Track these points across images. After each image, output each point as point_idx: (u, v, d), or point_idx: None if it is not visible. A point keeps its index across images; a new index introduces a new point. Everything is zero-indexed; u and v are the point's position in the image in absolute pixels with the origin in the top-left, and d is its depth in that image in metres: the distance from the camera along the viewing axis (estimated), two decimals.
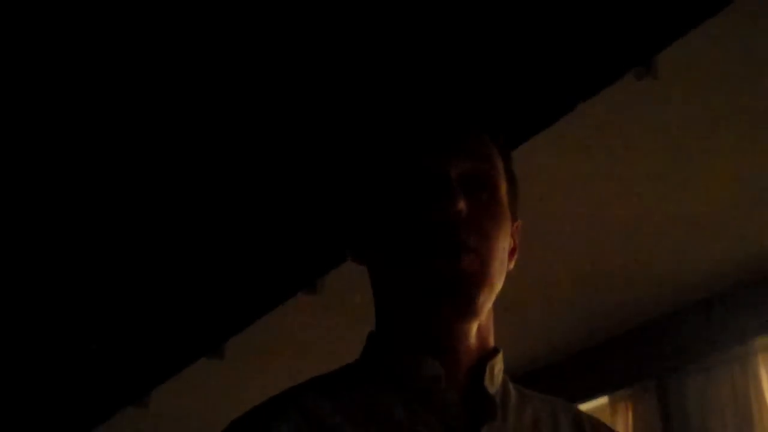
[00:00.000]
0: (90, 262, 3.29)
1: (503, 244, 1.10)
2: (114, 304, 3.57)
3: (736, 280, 3.41)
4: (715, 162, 2.75)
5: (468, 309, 1.07)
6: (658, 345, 3.74)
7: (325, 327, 3.66)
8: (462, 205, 1.05)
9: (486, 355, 1.11)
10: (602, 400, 3.96)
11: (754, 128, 2.59)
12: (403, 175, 1.10)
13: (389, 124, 1.20)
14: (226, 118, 2.58)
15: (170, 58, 2.25)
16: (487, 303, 1.09)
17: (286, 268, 3.32)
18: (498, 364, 1.12)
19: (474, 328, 1.09)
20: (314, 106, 2.51)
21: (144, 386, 4.10)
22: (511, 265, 1.16)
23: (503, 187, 1.12)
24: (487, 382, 1.09)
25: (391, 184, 1.11)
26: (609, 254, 3.26)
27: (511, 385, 1.15)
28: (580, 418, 1.16)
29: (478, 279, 1.06)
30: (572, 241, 3.13)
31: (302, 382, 1.11)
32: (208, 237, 3.20)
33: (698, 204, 2.95)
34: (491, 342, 1.14)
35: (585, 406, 3.76)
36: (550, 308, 3.47)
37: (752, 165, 2.75)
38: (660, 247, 3.23)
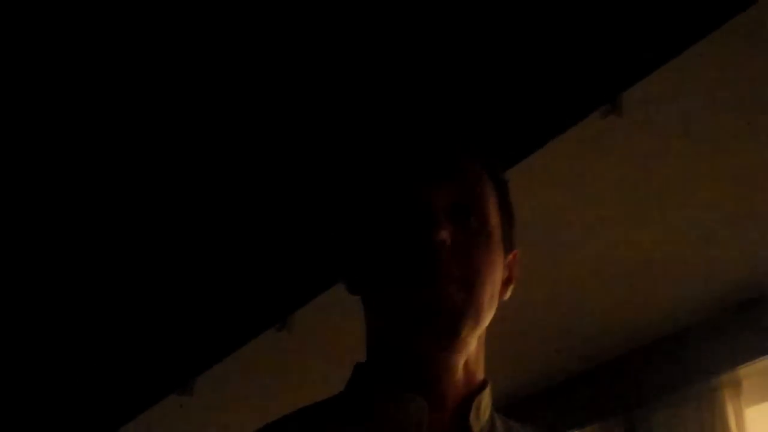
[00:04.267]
0: (61, 294, 3.26)
1: (493, 275, 1.08)
2: (83, 339, 3.54)
3: (702, 317, 3.45)
4: (678, 199, 2.79)
5: (450, 341, 1.05)
6: (625, 381, 3.76)
7: (296, 363, 3.65)
8: (445, 234, 1.03)
9: (474, 389, 1.09)
10: None
11: (716, 164, 2.63)
12: (389, 203, 1.08)
13: (375, 151, 1.19)
14: (191, 160, 2.59)
15: (168, 60, 2.24)
16: (471, 336, 1.06)
17: (256, 305, 3.31)
18: (485, 399, 1.10)
19: (460, 362, 1.07)
20: (293, 138, 2.51)
21: (112, 423, 4.06)
22: (506, 296, 1.14)
23: (494, 217, 1.10)
24: (472, 420, 1.08)
25: (377, 212, 1.10)
26: (575, 291, 3.28)
27: (498, 419, 1.13)
28: None
29: (462, 310, 1.04)
30: (538, 277, 3.15)
31: (288, 413, 1.09)
32: (178, 273, 3.19)
33: (663, 240, 2.99)
34: (480, 375, 1.12)
35: None
36: (517, 344, 3.48)
37: (715, 201, 2.79)
38: (626, 283, 3.26)
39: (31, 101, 2.34)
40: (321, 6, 2.08)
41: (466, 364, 1.08)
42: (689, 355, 3.53)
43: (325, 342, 3.32)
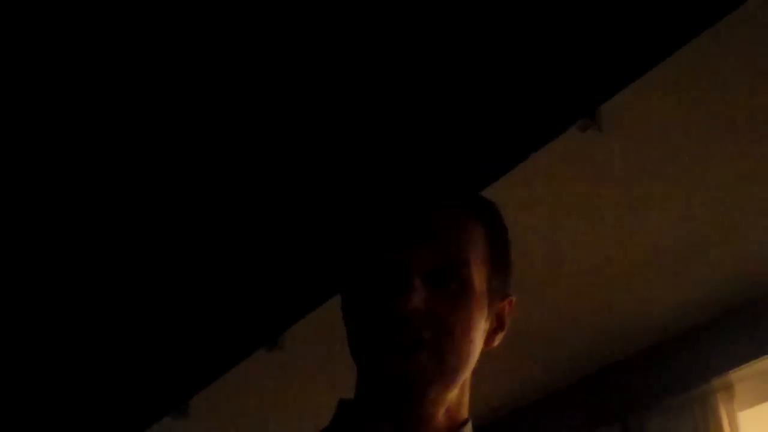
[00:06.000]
0: (57, 313, 3.25)
1: (470, 333, 1.07)
2: (77, 361, 3.54)
3: (692, 322, 3.46)
4: (663, 209, 2.81)
5: (418, 406, 1.06)
6: (618, 388, 3.77)
7: (289, 383, 3.65)
8: (417, 301, 1.03)
9: (454, 428, 1.10)
10: None
11: (697, 177, 2.66)
12: (367, 266, 1.08)
13: (355, 213, 1.21)
14: (185, 176, 2.59)
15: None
16: (443, 395, 1.07)
17: (247, 325, 3.31)
18: None
19: (439, 411, 1.08)
20: (284, 162, 2.53)
21: None
22: (495, 343, 1.16)
23: (479, 272, 1.09)
24: None
25: (356, 274, 1.09)
26: (564, 300, 3.30)
27: None
28: None
29: (431, 377, 1.04)
30: (529, 290, 3.17)
31: None
32: (169, 293, 3.19)
33: (649, 250, 3.01)
34: (463, 415, 1.12)
35: None
36: (510, 355, 3.50)
37: (700, 209, 2.81)
38: (616, 291, 3.27)
39: (31, 101, 2.33)
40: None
41: (447, 410, 1.09)
42: (681, 360, 3.54)
43: (318, 360, 3.32)
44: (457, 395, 1.11)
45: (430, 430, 1.08)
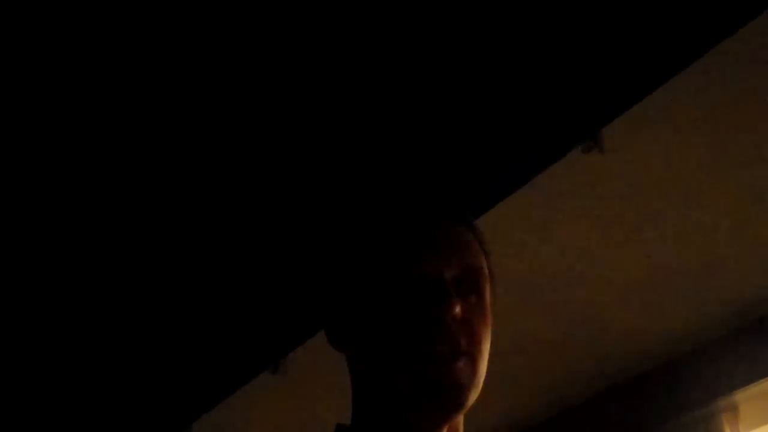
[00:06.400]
0: (57, 334, 3.25)
1: (488, 346, 1.10)
2: (78, 389, 3.53)
3: (696, 343, 3.46)
4: (667, 230, 2.81)
5: (456, 413, 1.07)
6: (623, 410, 3.76)
7: (291, 406, 3.64)
8: (458, 308, 1.05)
9: None
10: None
11: (700, 198, 2.66)
12: (398, 278, 1.08)
13: (378, 227, 1.16)
14: (184, 192, 2.58)
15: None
16: (471, 404, 1.08)
17: (248, 348, 3.31)
18: None
19: (445, 428, 1.09)
20: (286, 181, 2.52)
21: None
22: None
23: (488, 288, 1.12)
24: None
25: (382, 287, 1.09)
26: (569, 322, 3.29)
27: None
28: None
29: (470, 383, 1.06)
30: (532, 311, 3.16)
31: None
32: (170, 318, 3.19)
33: (651, 271, 3.01)
34: (460, 431, 1.13)
35: None
36: (512, 378, 3.49)
37: (700, 232, 2.81)
38: (618, 313, 3.26)
39: (31, 101, 2.33)
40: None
41: (450, 427, 1.10)
42: (686, 381, 3.53)
43: (321, 385, 3.32)
44: None
45: None
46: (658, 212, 2.71)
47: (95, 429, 3.82)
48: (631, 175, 2.53)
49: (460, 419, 1.13)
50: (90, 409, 3.67)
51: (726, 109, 2.32)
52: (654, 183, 2.57)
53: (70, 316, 3.13)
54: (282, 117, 2.28)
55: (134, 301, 3.08)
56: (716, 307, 3.25)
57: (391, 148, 2.35)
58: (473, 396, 1.07)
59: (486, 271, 1.13)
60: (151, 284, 3.01)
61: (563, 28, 2.07)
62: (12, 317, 3.11)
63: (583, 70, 2.15)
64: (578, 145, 2.27)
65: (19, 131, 2.42)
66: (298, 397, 3.53)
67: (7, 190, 2.60)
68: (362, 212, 2.22)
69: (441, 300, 1.05)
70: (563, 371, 3.63)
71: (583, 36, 2.08)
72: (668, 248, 2.89)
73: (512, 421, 3.94)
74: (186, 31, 2.12)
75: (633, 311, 3.25)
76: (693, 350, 3.49)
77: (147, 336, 3.27)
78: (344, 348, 1.15)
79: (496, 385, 3.57)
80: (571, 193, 2.56)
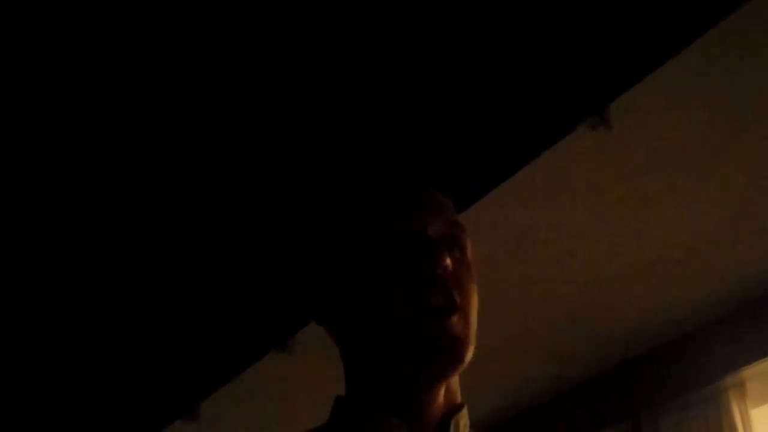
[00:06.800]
0: (64, 317, 3.26)
1: (476, 302, 1.10)
2: (87, 367, 3.54)
3: (704, 319, 3.46)
4: (675, 205, 2.80)
5: (455, 368, 1.06)
6: (630, 387, 3.77)
7: (300, 385, 3.66)
8: (449, 260, 1.05)
9: (451, 411, 1.10)
10: None
11: (708, 174, 2.65)
12: (385, 237, 1.08)
13: (360, 188, 1.19)
14: (189, 173, 2.59)
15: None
16: (469, 360, 1.07)
17: (257, 328, 3.32)
18: (463, 419, 1.11)
19: (443, 388, 1.09)
20: (282, 166, 2.53)
21: None
22: None
23: (469, 245, 1.12)
24: None
25: (369, 247, 1.09)
26: (577, 300, 3.29)
27: None
28: None
29: (465, 337, 1.05)
30: (540, 289, 3.16)
31: None
32: (178, 298, 3.20)
33: (661, 247, 3.00)
34: (458, 398, 1.12)
35: None
36: (521, 357, 3.49)
37: (712, 205, 2.81)
38: (627, 290, 3.27)
39: (31, 101, 2.33)
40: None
41: (447, 389, 1.10)
42: (693, 358, 3.53)
43: (328, 363, 3.32)
44: None
45: (432, 410, 1.08)
46: (666, 189, 2.70)
47: (105, 409, 3.84)
48: (639, 152, 2.53)
49: (457, 384, 1.12)
50: (100, 389, 3.69)
51: (735, 84, 2.31)
52: (662, 159, 2.57)
53: (78, 296, 3.14)
54: (253, 89, 2.27)
55: (144, 283, 3.09)
56: (724, 283, 3.25)
57: (393, 132, 2.35)
58: (469, 351, 1.06)
59: (465, 231, 1.13)
60: (160, 265, 3.01)
61: (569, 2, 2.06)
62: (20, 298, 3.12)
63: (590, 44, 2.14)
64: (585, 120, 2.26)
65: (19, 131, 2.43)
66: (306, 376, 3.54)
67: (7, 189, 2.62)
68: (342, 183, 2.22)
69: (431, 253, 1.05)
70: (570, 349, 3.64)
71: (590, 10, 2.06)
72: (676, 224, 2.89)
73: (520, 399, 3.95)
74: (184, 30, 2.13)
75: (640, 288, 3.25)
76: (700, 328, 3.49)
77: (157, 317, 3.28)
78: (333, 321, 1.13)
79: (504, 363, 3.60)
80: (577, 169, 2.56)
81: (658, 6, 2.07)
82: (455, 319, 1.05)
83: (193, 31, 2.12)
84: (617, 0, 2.07)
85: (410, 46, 2.13)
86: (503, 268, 2.95)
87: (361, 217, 1.12)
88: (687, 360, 3.56)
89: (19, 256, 2.89)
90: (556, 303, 3.27)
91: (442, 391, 1.09)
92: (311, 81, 2.21)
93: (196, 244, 2.92)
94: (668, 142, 2.50)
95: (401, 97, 2.25)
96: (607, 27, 2.12)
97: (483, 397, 3.60)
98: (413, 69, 2.18)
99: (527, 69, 2.20)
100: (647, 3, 2.07)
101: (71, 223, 2.75)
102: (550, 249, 2.95)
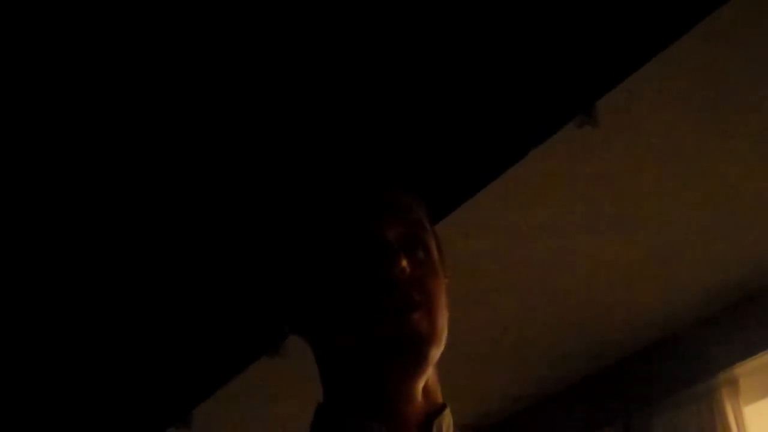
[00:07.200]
0: (58, 324, 3.25)
1: (444, 300, 1.11)
2: (75, 375, 3.53)
3: (696, 316, 3.46)
4: (665, 203, 2.80)
5: (420, 368, 1.07)
6: (623, 385, 3.77)
7: (292, 390, 3.64)
8: (404, 263, 1.06)
9: (433, 412, 1.11)
10: None
11: (696, 171, 2.65)
12: (340, 241, 1.10)
13: (318, 192, 1.20)
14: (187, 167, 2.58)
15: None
16: (435, 359, 1.08)
17: (247, 332, 3.31)
18: (446, 420, 1.11)
19: (421, 387, 1.09)
20: (251, 172, 2.52)
21: None
22: None
23: (433, 244, 1.14)
24: None
25: (327, 251, 1.11)
26: (567, 300, 3.29)
27: None
28: None
29: (428, 336, 1.06)
30: (529, 289, 3.16)
31: None
32: (170, 304, 3.19)
33: (649, 246, 3.00)
34: (439, 398, 1.13)
35: None
36: (512, 357, 3.49)
37: (701, 202, 2.81)
38: (619, 287, 3.27)
39: (31, 101, 2.32)
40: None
41: (425, 389, 1.10)
42: (686, 355, 3.53)
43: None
44: (433, 373, 1.11)
45: (411, 412, 1.09)
46: (654, 187, 2.70)
47: (98, 416, 3.82)
48: (626, 150, 2.52)
49: (436, 383, 1.12)
50: (91, 397, 3.68)
51: (721, 83, 2.31)
52: (649, 157, 2.57)
53: (70, 304, 3.13)
54: (218, 90, 2.27)
55: (134, 288, 3.08)
56: (714, 281, 3.25)
57: (377, 128, 2.34)
58: (435, 350, 1.07)
59: (428, 227, 1.14)
60: (149, 271, 3.00)
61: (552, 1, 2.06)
62: (12, 303, 3.10)
63: (577, 42, 2.14)
64: (572, 119, 2.26)
65: (19, 131, 2.42)
66: (298, 381, 3.52)
67: (5, 189, 2.61)
68: (309, 187, 2.22)
69: (385, 258, 1.07)
70: (561, 348, 3.64)
71: (576, 7, 2.06)
72: (665, 222, 2.89)
73: (512, 400, 3.95)
74: (184, 30, 2.12)
75: (630, 286, 3.25)
76: (692, 324, 3.49)
77: (147, 323, 3.27)
78: (307, 330, 1.15)
79: (496, 364, 3.59)
80: (564, 168, 2.56)
81: (643, 2, 2.07)
82: (416, 317, 1.06)
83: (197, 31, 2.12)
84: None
85: (396, 43, 2.13)
86: (491, 269, 2.94)
87: (324, 223, 1.14)
88: (679, 358, 3.56)
89: (13, 247, 2.88)
90: (543, 302, 3.27)
91: (418, 392, 1.09)
92: (281, 83, 2.21)
93: (186, 249, 2.91)
94: (655, 140, 2.50)
95: (386, 97, 2.24)
96: (593, 23, 2.12)
97: (474, 398, 3.60)
98: (398, 67, 2.18)
99: (513, 67, 2.20)
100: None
101: (56, 228, 2.74)
102: (535, 248, 2.94)
